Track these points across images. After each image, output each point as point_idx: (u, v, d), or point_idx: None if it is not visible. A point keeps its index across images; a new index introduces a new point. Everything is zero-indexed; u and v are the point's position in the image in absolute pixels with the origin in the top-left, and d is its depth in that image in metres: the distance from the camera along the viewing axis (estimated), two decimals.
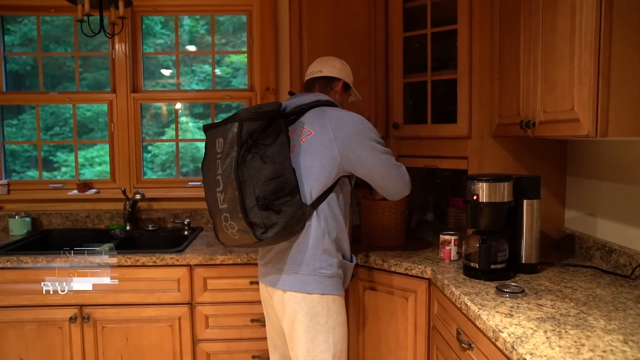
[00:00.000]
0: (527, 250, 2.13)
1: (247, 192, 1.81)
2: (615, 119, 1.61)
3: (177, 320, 2.65)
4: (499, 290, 1.84)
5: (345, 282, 2.14)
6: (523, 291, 1.83)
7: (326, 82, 2.22)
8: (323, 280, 1.97)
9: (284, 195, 1.87)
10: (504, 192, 2.06)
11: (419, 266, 2.26)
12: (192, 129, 3.62)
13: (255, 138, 1.83)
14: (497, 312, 1.64)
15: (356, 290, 2.53)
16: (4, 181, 3.42)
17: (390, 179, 2.08)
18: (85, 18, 2.77)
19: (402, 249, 2.58)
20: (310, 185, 1.95)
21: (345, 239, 2.09)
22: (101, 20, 2.84)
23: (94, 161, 3.60)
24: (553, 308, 1.67)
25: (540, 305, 1.71)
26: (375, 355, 2.48)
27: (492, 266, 2.04)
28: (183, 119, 3.61)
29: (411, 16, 2.78)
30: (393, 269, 2.34)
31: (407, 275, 2.31)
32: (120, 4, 2.83)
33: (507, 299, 1.78)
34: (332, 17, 2.85)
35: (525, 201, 2.12)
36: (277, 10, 3.35)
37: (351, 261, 2.16)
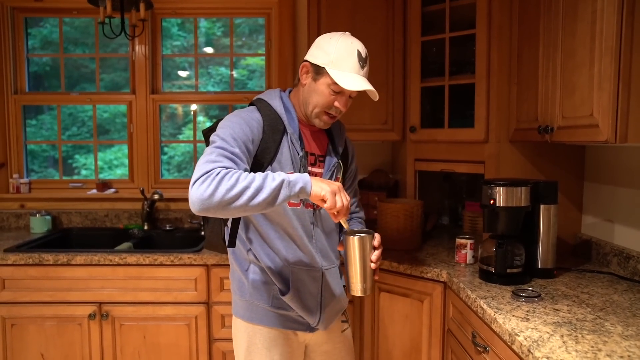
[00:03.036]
0: (543, 255, 2.13)
1: None
2: (635, 125, 1.61)
3: (193, 319, 2.68)
4: (515, 295, 1.84)
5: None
6: (539, 296, 1.83)
7: None
8: None
9: None
10: (521, 196, 2.06)
11: (435, 269, 2.26)
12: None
13: None
14: (513, 315, 1.65)
15: (371, 293, 2.51)
16: (25, 180, 3.48)
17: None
18: (107, 20, 2.82)
19: (418, 252, 2.58)
20: None
21: None
22: (122, 22, 2.89)
23: (112, 163, 3.64)
24: (569, 313, 1.68)
25: (557, 310, 1.71)
26: (389, 358, 2.48)
27: (509, 270, 2.03)
28: (200, 118, 3.64)
29: (429, 20, 2.78)
30: (409, 271, 2.34)
31: (422, 278, 2.31)
32: (141, 7, 2.88)
33: (523, 303, 1.78)
34: (350, 21, 2.87)
35: (542, 206, 2.12)
36: (296, 13, 3.38)
37: None
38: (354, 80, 1.68)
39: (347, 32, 1.77)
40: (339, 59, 1.68)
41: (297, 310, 1.82)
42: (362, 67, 1.72)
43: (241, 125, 1.67)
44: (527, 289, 1.90)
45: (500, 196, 2.06)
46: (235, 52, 3.57)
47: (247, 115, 1.73)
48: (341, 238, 1.79)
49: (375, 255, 1.66)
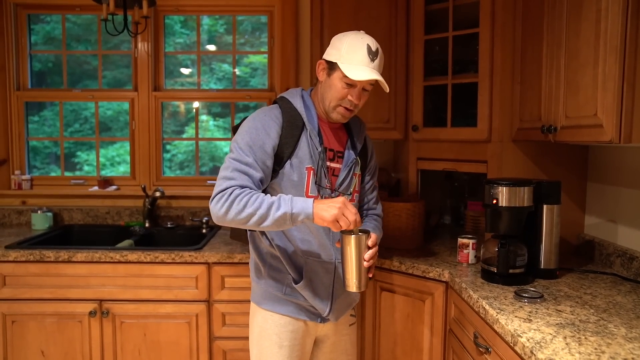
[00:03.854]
0: (546, 255, 2.12)
1: None
2: None
3: (194, 317, 2.68)
4: (518, 295, 1.83)
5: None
6: (542, 296, 1.82)
7: None
8: None
9: None
10: (524, 196, 2.05)
11: (437, 269, 2.26)
12: (211, 127, 3.65)
13: None
14: (516, 316, 1.64)
15: (373, 292, 2.53)
16: (27, 176, 3.47)
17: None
18: (110, 17, 2.81)
19: (420, 251, 2.58)
20: None
21: None
22: (125, 19, 2.88)
23: (114, 160, 3.64)
24: (572, 314, 1.67)
25: (560, 311, 1.70)
26: (390, 357, 2.48)
27: (511, 271, 2.03)
28: (203, 116, 3.64)
29: (432, 19, 2.77)
30: (410, 271, 2.34)
31: (424, 277, 2.30)
32: (144, 4, 2.86)
33: (526, 303, 1.77)
34: (353, 19, 2.86)
35: (545, 206, 2.11)
36: (299, 11, 3.37)
37: None
38: (362, 71, 1.76)
39: (361, 31, 1.87)
40: (349, 53, 1.78)
41: (308, 299, 1.91)
42: (372, 59, 1.79)
43: (258, 130, 1.80)
44: (530, 290, 1.89)
45: (503, 196, 2.05)
46: (237, 50, 3.56)
47: (265, 116, 1.84)
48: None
49: (368, 254, 1.74)
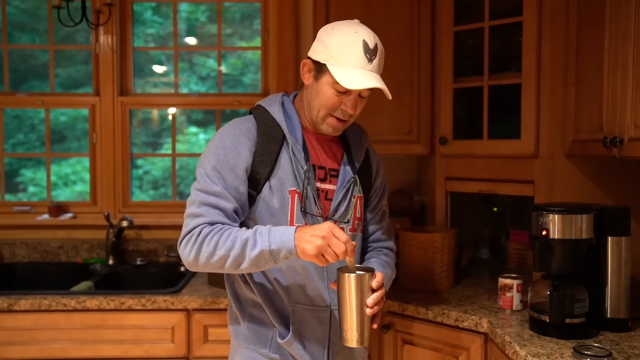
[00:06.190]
0: (613, 301, 2.08)
1: None
2: None
3: None
4: (578, 353, 1.79)
5: None
6: (610, 355, 1.78)
7: None
8: None
9: None
10: (582, 226, 2.03)
11: (473, 317, 2.24)
12: (192, 139, 3.62)
13: None
14: None
15: (393, 344, 2.50)
16: None
17: None
18: (64, 4, 2.79)
19: (451, 294, 2.57)
20: None
21: None
22: (83, 6, 2.87)
23: (69, 179, 3.61)
24: None
25: None
26: None
27: (567, 320, 2.00)
28: (181, 119, 3.62)
29: (464, 6, 2.78)
30: (439, 319, 2.32)
31: (457, 327, 2.29)
32: None
33: None
34: (366, 7, 2.87)
35: (610, 238, 2.08)
36: None
37: None
38: (358, 76, 1.70)
39: (355, 20, 1.81)
40: (341, 53, 1.72)
41: (299, 359, 1.85)
42: (370, 60, 1.72)
43: (226, 149, 1.77)
44: (594, 346, 1.86)
45: (555, 225, 2.03)
46: (223, 44, 3.56)
47: (235, 130, 1.82)
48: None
49: (372, 298, 1.66)
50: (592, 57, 2.18)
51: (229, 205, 1.72)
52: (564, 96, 2.42)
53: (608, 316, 2.08)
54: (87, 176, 3.53)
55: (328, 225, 1.59)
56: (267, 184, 1.78)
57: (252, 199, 1.79)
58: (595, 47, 2.15)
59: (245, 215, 1.80)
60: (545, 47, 2.43)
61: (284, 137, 1.82)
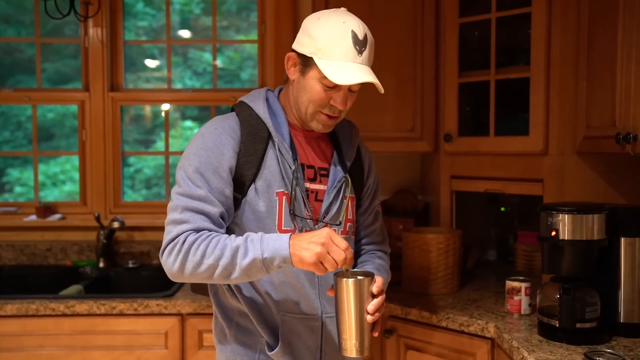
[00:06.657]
0: (626, 305, 2.08)
1: None
2: None
3: None
4: (589, 359, 1.80)
5: None
6: None
7: None
8: None
9: None
10: (594, 226, 2.03)
11: (479, 321, 2.24)
12: (187, 134, 3.62)
13: None
14: None
15: (396, 350, 2.50)
16: None
17: None
18: None
19: (456, 297, 2.57)
20: None
21: None
22: None
23: (58, 178, 3.61)
24: None
25: None
26: None
27: (578, 325, 2.00)
28: (174, 116, 3.61)
29: None
30: (444, 324, 2.33)
31: (462, 332, 2.29)
32: None
33: None
34: None
35: (623, 239, 2.08)
36: None
37: None
38: (348, 70, 1.66)
39: (341, 8, 1.77)
40: (328, 45, 1.67)
41: None
42: (360, 52, 1.68)
43: (208, 150, 1.73)
44: (606, 352, 1.86)
45: (565, 226, 2.03)
46: (219, 37, 3.56)
47: (217, 129, 1.79)
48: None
49: (373, 304, 1.62)
50: (604, 50, 2.18)
51: (215, 209, 1.68)
52: (575, 91, 2.42)
53: (621, 321, 2.08)
54: (76, 175, 3.53)
55: (326, 231, 1.56)
56: (252, 186, 1.75)
57: (237, 202, 1.76)
58: (608, 40, 2.15)
59: (230, 219, 1.77)
60: (555, 40, 2.43)
61: (269, 136, 1.79)
